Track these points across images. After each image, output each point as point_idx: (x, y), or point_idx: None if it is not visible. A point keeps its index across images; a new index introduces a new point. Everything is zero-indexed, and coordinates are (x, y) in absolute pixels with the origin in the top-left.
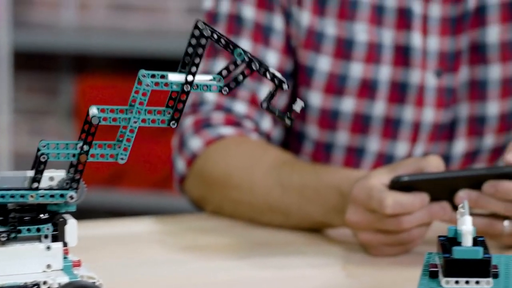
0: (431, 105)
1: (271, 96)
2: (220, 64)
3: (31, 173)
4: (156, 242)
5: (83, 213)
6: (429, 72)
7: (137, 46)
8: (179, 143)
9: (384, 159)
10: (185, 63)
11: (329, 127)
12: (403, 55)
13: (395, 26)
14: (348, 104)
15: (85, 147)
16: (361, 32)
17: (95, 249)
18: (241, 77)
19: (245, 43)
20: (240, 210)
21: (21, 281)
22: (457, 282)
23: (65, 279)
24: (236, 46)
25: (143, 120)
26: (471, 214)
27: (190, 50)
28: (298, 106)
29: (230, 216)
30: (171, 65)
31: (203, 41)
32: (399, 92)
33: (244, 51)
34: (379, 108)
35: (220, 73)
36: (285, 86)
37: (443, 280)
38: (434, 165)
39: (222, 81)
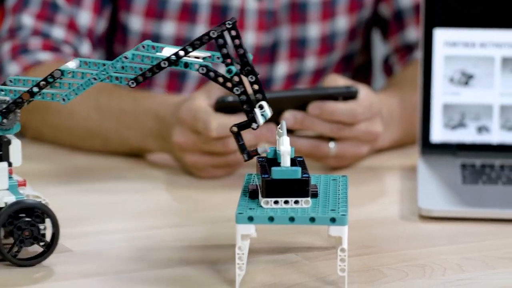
0: (252, 28)
1: (243, 127)
2: None
3: None
4: None
5: None
6: None
7: None
8: None
9: (207, 82)
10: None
11: None
12: None
13: None
14: (169, 28)
15: (35, 89)
16: None
17: None
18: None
19: None
20: (60, 135)
21: None
22: (276, 202)
23: (11, 198)
24: (232, 63)
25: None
26: (298, 136)
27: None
28: (262, 150)
29: (50, 142)
30: None
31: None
32: (220, 15)
33: (237, 73)
34: (200, 31)
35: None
36: (254, 126)
37: (262, 201)
38: None
39: (213, 61)
